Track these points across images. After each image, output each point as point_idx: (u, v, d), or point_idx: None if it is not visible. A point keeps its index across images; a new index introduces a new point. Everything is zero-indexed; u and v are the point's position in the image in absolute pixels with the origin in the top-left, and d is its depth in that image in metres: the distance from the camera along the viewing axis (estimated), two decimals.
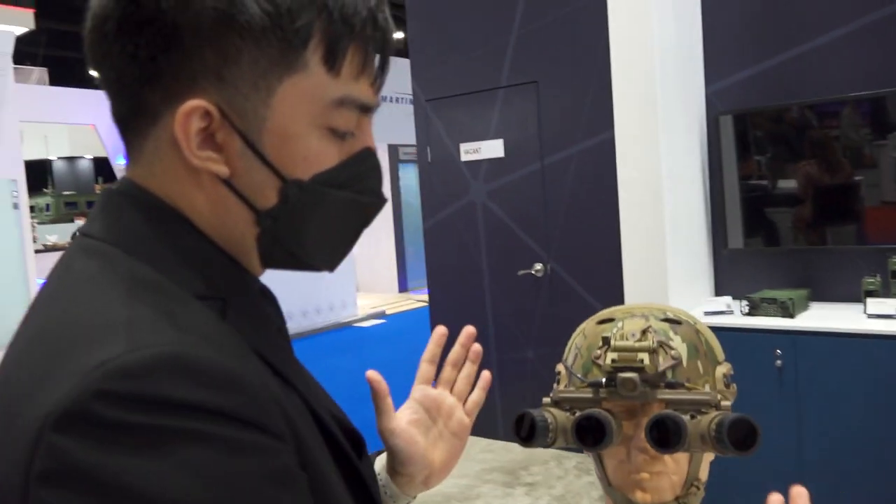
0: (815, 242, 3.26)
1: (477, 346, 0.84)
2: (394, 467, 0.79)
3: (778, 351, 2.91)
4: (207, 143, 0.56)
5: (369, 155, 0.62)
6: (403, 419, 0.79)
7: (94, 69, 0.58)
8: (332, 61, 0.57)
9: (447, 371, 0.83)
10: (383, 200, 0.65)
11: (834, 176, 3.16)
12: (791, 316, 2.98)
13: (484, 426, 4.37)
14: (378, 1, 0.59)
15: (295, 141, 0.57)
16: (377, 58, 0.60)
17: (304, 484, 0.52)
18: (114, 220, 0.58)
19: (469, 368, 0.84)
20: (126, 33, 0.54)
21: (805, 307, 3.14)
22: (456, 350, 0.83)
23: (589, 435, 0.79)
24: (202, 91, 0.55)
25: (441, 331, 0.83)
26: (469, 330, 0.83)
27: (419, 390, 0.82)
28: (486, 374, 0.84)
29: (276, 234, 0.59)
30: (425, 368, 0.83)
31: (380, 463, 0.80)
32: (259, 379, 0.51)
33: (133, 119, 0.58)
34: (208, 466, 0.45)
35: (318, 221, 0.60)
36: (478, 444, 4.23)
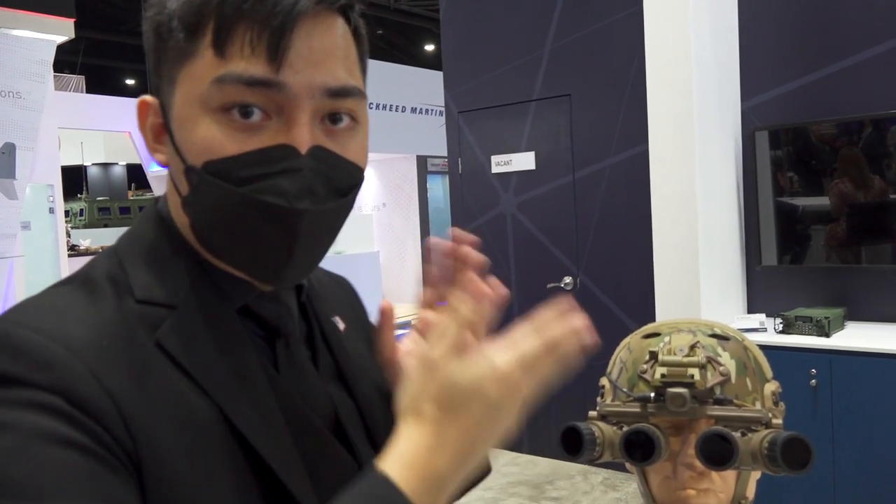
0: (850, 261, 3.21)
1: (477, 256, 0.71)
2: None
3: (813, 370, 2.87)
4: (163, 138, 0.63)
5: (281, 150, 0.57)
6: (399, 350, 0.72)
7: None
8: (219, 45, 0.57)
9: (435, 293, 0.72)
10: (294, 206, 0.57)
11: (869, 194, 3.12)
12: (827, 335, 2.94)
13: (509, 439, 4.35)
14: None
15: (189, 125, 0.59)
16: (267, 33, 0.56)
17: (85, 453, 0.50)
18: (133, 229, 0.66)
19: (479, 286, 0.71)
20: (146, 53, 0.64)
21: (841, 326, 3.09)
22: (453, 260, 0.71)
23: (637, 450, 0.78)
24: (156, 91, 0.63)
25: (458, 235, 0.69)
26: (468, 237, 0.70)
27: (418, 319, 0.72)
28: (495, 287, 0.71)
29: (195, 223, 0.62)
30: (428, 292, 0.72)
31: None
32: (86, 363, 0.53)
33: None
34: None
35: (220, 216, 0.59)
36: (503, 457, 4.20)
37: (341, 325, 0.73)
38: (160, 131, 0.63)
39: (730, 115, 3.42)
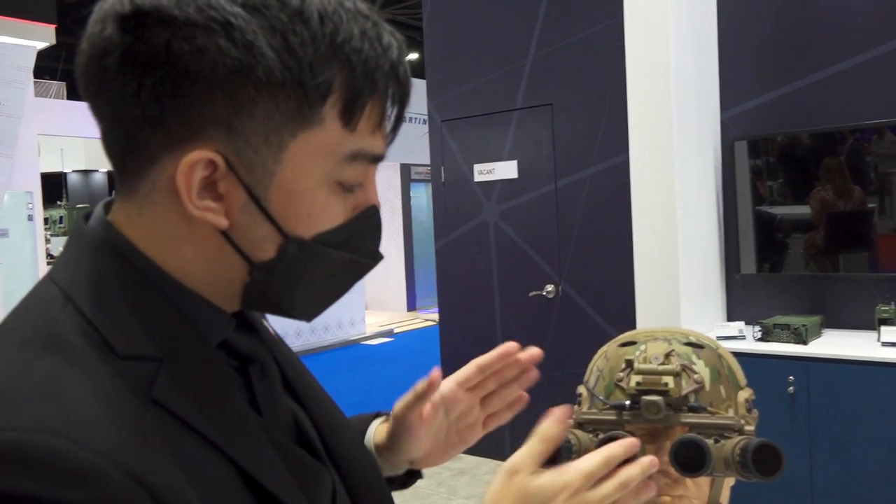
0: (828, 269, 3.25)
1: (534, 373, 0.82)
2: (386, 444, 0.81)
3: (791, 377, 2.90)
4: (208, 192, 0.53)
5: (373, 213, 0.60)
6: (419, 413, 0.78)
7: (88, 100, 0.55)
8: (349, 116, 0.54)
9: (479, 376, 0.80)
10: (378, 260, 0.62)
11: (847, 203, 3.17)
12: (804, 342, 2.97)
13: (492, 447, 4.35)
14: (399, 53, 0.57)
15: (302, 197, 0.55)
16: (394, 111, 0.58)
17: None
18: (75, 264, 0.55)
19: (516, 392, 0.83)
20: (129, 71, 0.51)
21: (818, 334, 3.13)
22: (508, 366, 0.81)
23: None
24: (209, 139, 0.52)
25: (510, 347, 0.79)
26: (535, 352, 0.80)
27: (451, 387, 0.79)
28: (521, 396, 0.84)
29: (267, 286, 0.57)
30: (473, 372, 0.79)
31: (371, 430, 0.83)
32: (121, 467, 0.46)
33: (128, 158, 0.54)
34: None
35: (312, 279, 0.58)
36: (485, 466, 4.21)
37: (271, 329, 0.72)
38: (210, 187, 0.53)
39: (709, 126, 3.47)
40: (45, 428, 0.45)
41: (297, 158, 0.54)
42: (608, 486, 0.64)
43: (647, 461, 0.65)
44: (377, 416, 0.86)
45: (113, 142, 0.55)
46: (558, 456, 0.82)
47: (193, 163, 0.52)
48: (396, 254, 10.61)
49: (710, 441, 0.78)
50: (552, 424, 0.67)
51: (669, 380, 0.81)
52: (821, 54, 3.26)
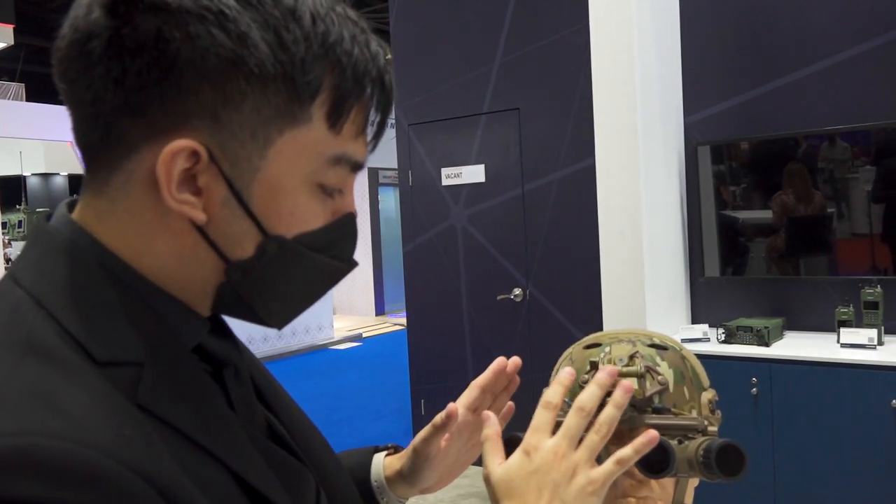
0: (790, 272, 3.32)
1: (518, 381, 0.85)
2: (402, 472, 0.83)
3: (754, 379, 2.95)
4: (186, 185, 0.52)
5: (350, 220, 0.60)
6: (438, 445, 0.83)
7: (64, 86, 0.53)
8: (335, 118, 0.55)
9: (482, 397, 0.84)
10: (353, 266, 0.63)
11: (808, 207, 3.23)
12: (766, 344, 3.02)
13: None
14: (386, 62, 0.58)
15: (285, 195, 0.55)
16: (377, 118, 0.59)
17: None
18: (41, 266, 0.53)
19: (506, 401, 0.86)
20: (114, 56, 0.50)
21: (780, 336, 3.18)
22: (500, 380, 0.84)
23: None
24: (193, 130, 0.51)
25: (502, 363, 0.83)
26: (517, 361, 0.84)
27: (464, 413, 0.83)
28: (510, 406, 0.86)
29: (242, 286, 0.56)
30: (477, 395, 0.83)
31: (378, 464, 0.85)
32: (129, 466, 0.46)
33: (103, 148, 0.53)
34: None
35: (288, 281, 0.58)
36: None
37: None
38: (189, 180, 0.52)
39: (673, 131, 3.51)
40: (47, 431, 0.44)
41: (283, 155, 0.54)
42: (592, 436, 0.67)
43: (623, 388, 0.69)
44: (377, 450, 0.89)
45: (88, 131, 0.53)
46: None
47: (176, 152, 0.51)
48: (364, 258, 10.57)
49: (673, 442, 0.78)
50: (554, 389, 0.70)
51: (633, 381, 0.81)
52: (779, 63, 3.33)
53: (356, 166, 0.59)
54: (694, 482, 0.91)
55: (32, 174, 14.77)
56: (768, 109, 3.37)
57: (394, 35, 4.49)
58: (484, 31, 4.10)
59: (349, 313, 10.84)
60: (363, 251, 10.50)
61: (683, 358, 0.93)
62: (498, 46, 4.06)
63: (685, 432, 0.81)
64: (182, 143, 0.51)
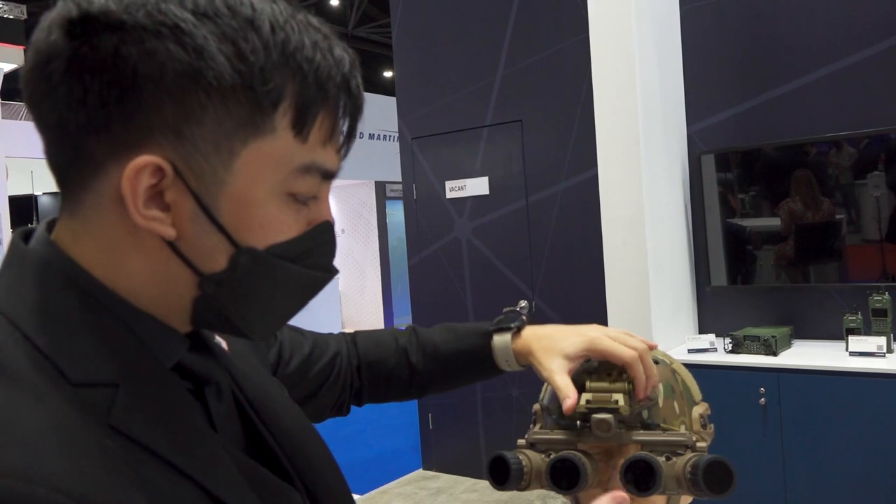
0: (798, 280, 3.29)
1: None
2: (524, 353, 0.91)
3: (762, 389, 2.91)
4: (154, 202, 0.52)
5: (327, 228, 0.60)
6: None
7: (32, 110, 0.54)
8: (300, 126, 0.54)
9: None
10: (333, 274, 0.62)
11: (815, 214, 3.20)
12: (774, 354, 2.99)
13: (468, 465, 4.32)
14: (351, 66, 0.57)
15: (254, 207, 0.54)
16: (345, 124, 0.58)
17: None
18: (17, 287, 0.53)
19: None
20: (75, 76, 0.50)
21: (788, 345, 3.15)
22: None
23: (563, 478, 0.78)
24: (156, 146, 0.51)
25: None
26: None
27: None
28: None
29: (218, 299, 0.56)
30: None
31: (503, 339, 0.93)
32: (82, 501, 0.45)
33: (73, 168, 0.53)
34: None
35: (264, 292, 0.57)
36: (462, 484, 4.17)
37: (224, 345, 0.70)
38: (157, 197, 0.52)
39: (676, 140, 3.50)
40: (2, 469, 0.43)
41: (249, 167, 0.53)
42: None
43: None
44: (499, 329, 0.94)
45: (57, 153, 0.53)
46: (508, 478, 0.81)
47: (140, 168, 0.50)
48: (373, 272, 10.58)
49: (661, 459, 0.77)
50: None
51: (620, 397, 0.80)
52: (780, 70, 3.32)
53: (327, 174, 0.58)
54: (687, 499, 0.89)
55: (44, 193, 14.91)
56: (771, 117, 3.35)
57: (396, 49, 4.51)
58: (486, 44, 4.11)
59: (358, 327, 10.83)
60: (371, 265, 10.52)
61: (674, 372, 0.92)
62: (500, 59, 4.07)
63: (673, 449, 0.79)
64: (145, 159, 0.50)
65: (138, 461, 0.49)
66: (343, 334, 1.02)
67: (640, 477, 0.76)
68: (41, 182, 13.28)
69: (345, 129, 0.58)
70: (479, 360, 0.95)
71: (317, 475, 0.69)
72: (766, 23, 3.34)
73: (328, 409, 0.96)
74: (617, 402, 0.80)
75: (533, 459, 0.82)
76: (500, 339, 0.93)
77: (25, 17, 8.41)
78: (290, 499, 0.64)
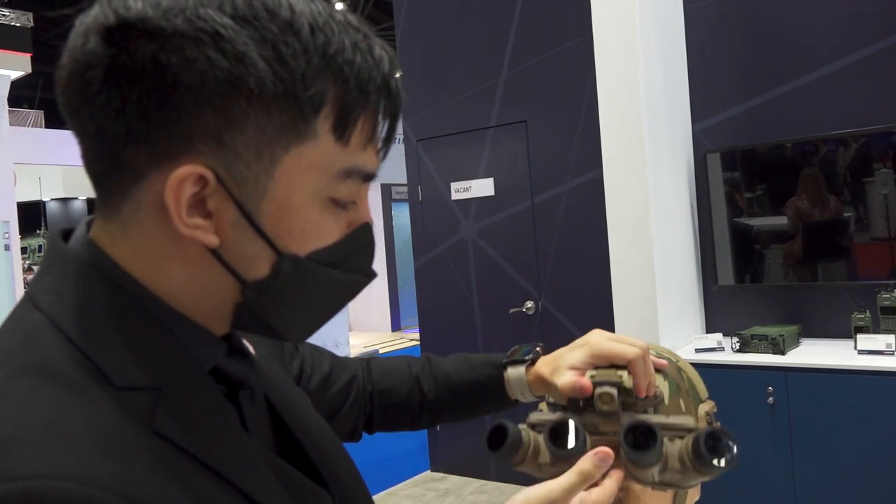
0: (806, 278, 3.27)
1: None
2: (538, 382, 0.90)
3: (770, 388, 2.90)
4: (196, 210, 0.52)
5: (366, 230, 0.59)
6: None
7: (69, 118, 0.53)
8: (342, 130, 0.53)
9: None
10: (371, 278, 0.62)
11: (823, 212, 3.19)
12: (782, 352, 2.98)
13: (476, 466, 4.32)
14: (391, 66, 0.56)
15: (296, 213, 0.54)
16: (385, 125, 0.57)
17: None
18: (60, 289, 0.53)
19: None
20: (114, 85, 0.49)
21: (796, 343, 3.14)
22: None
23: (561, 438, 0.77)
24: (197, 154, 0.50)
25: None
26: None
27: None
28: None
29: (259, 305, 0.56)
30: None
31: (517, 371, 0.92)
32: (137, 501, 0.46)
33: (111, 176, 0.53)
34: None
35: (306, 298, 0.57)
36: (471, 486, 4.17)
37: (251, 349, 0.70)
38: (199, 204, 0.52)
39: (681, 139, 3.49)
40: (58, 472, 0.43)
41: (291, 173, 0.53)
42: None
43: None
44: (513, 362, 0.94)
45: (95, 160, 0.53)
46: (505, 442, 0.79)
47: (183, 178, 0.50)
48: (380, 274, 10.57)
49: (665, 439, 0.77)
50: (589, 460, 0.68)
51: (623, 373, 0.80)
52: (786, 68, 3.30)
53: (368, 177, 0.57)
54: (694, 496, 0.89)
55: (52, 199, 14.99)
56: (777, 115, 3.34)
57: (400, 51, 4.51)
58: (489, 45, 4.11)
59: (365, 329, 10.84)
60: (378, 267, 10.48)
61: (680, 370, 0.92)
62: (504, 60, 4.07)
63: (679, 432, 0.79)
64: (188, 169, 0.50)
65: (181, 466, 0.50)
66: (359, 359, 1.02)
67: (640, 439, 0.75)
68: (49, 188, 13.35)
69: (385, 130, 0.57)
70: (491, 392, 0.95)
71: (343, 481, 0.69)
72: (771, 20, 3.33)
73: (344, 435, 0.96)
74: (621, 377, 0.80)
75: (533, 438, 0.81)
76: (515, 372, 0.93)
77: (31, 24, 8.46)
78: (323, 500, 0.64)
